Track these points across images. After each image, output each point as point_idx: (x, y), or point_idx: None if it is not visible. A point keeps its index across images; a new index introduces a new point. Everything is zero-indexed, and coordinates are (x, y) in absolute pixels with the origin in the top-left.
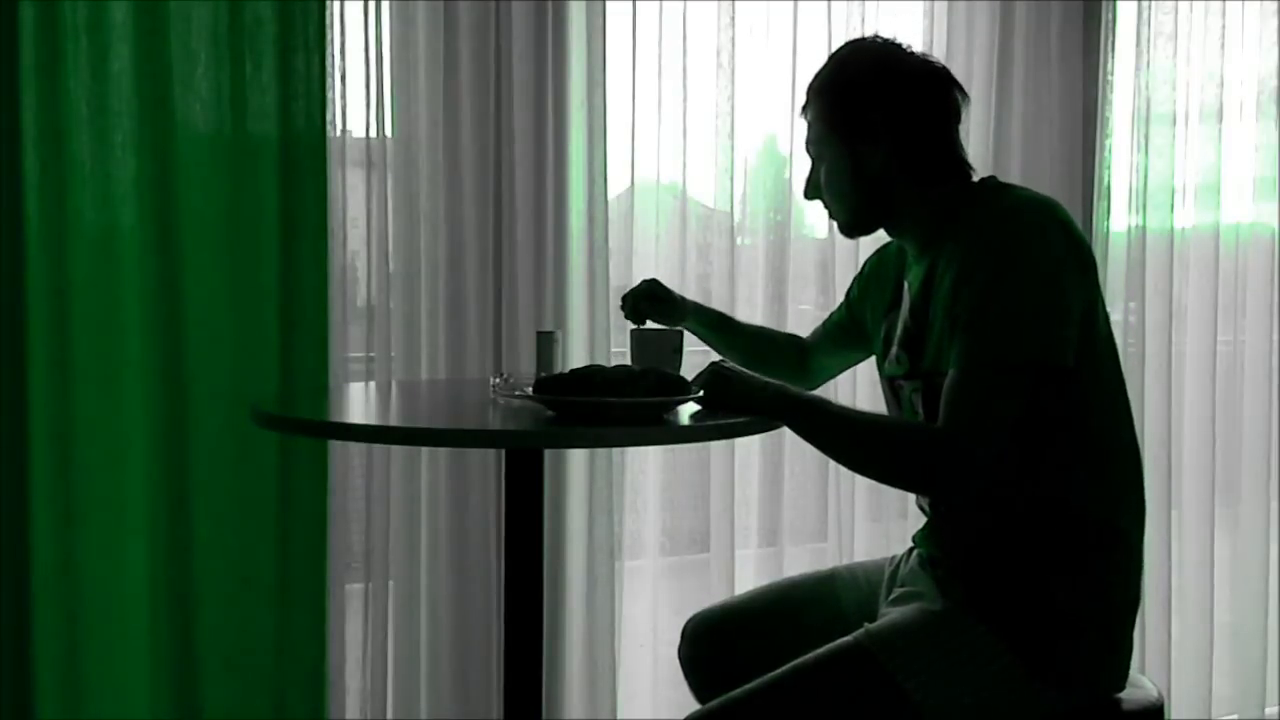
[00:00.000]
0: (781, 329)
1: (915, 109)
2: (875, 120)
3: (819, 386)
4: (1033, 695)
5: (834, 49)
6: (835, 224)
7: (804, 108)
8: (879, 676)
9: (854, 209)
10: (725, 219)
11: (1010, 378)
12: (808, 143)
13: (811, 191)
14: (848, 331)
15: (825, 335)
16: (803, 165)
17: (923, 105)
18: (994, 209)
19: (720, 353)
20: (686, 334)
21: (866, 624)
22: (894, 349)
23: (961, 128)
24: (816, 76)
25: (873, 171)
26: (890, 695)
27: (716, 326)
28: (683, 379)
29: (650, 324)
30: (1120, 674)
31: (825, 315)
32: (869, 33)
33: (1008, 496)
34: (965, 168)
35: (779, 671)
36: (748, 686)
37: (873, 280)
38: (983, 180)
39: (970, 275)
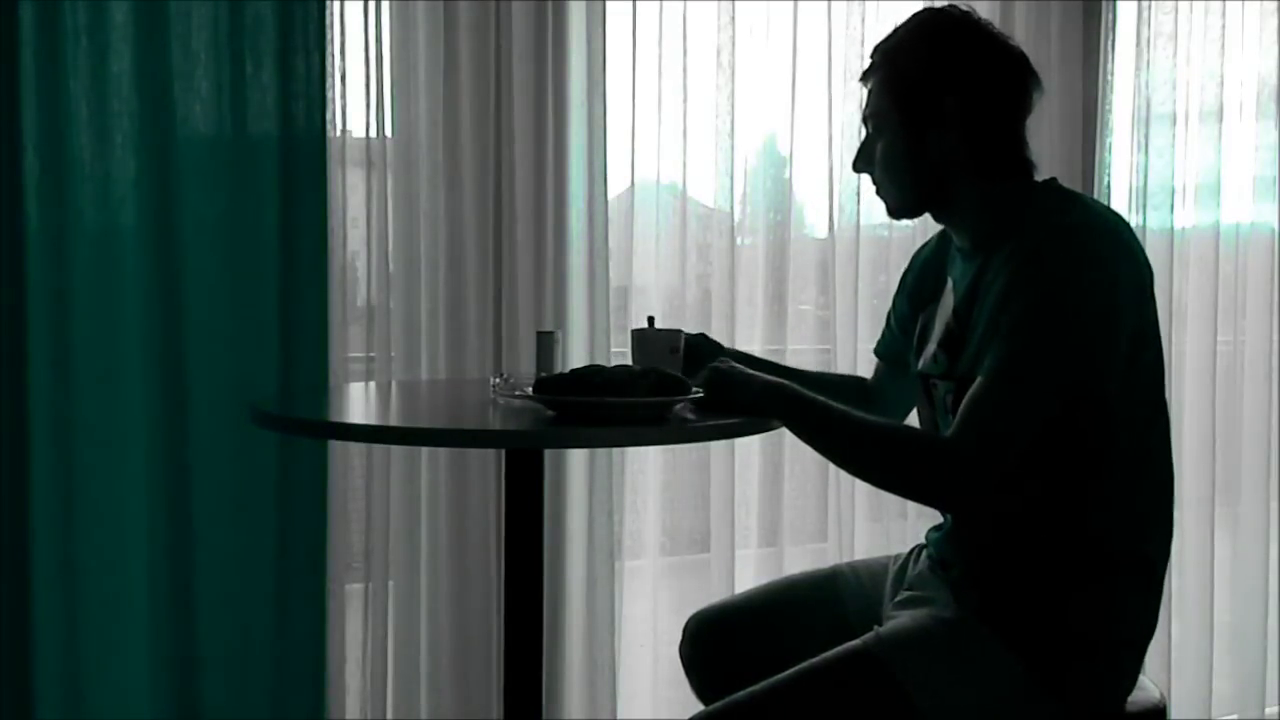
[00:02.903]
0: (781, 329)
1: (993, 98)
2: (949, 105)
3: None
4: (1039, 708)
5: (906, 17)
6: (883, 203)
7: (865, 73)
8: (886, 682)
9: (908, 192)
10: (725, 219)
11: (1036, 397)
12: (866, 114)
13: (862, 164)
14: (902, 349)
15: (883, 361)
16: (803, 165)
17: (1001, 94)
18: (1059, 223)
19: None
20: None
21: (876, 627)
22: (931, 346)
23: None
24: (889, 41)
25: (936, 157)
26: (895, 701)
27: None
28: (683, 379)
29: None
30: (1127, 692)
31: (825, 315)
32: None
33: (1034, 511)
34: (1029, 165)
35: (785, 674)
36: (752, 689)
37: (910, 279)
38: (1045, 182)
39: (1023, 288)
